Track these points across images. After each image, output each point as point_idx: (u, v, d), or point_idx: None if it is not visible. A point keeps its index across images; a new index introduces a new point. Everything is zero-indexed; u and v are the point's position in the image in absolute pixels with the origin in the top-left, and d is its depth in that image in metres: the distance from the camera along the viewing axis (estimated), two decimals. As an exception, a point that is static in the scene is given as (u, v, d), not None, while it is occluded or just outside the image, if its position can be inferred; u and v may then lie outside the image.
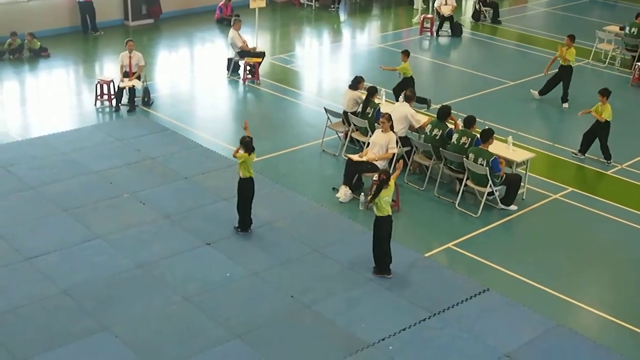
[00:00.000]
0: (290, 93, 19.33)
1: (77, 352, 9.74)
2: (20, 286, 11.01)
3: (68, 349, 9.79)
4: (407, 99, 15.24)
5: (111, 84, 18.03)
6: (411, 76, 18.11)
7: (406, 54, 18.24)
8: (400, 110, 14.97)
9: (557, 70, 18.91)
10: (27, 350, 9.73)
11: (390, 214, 11.39)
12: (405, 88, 17.59)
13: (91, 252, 11.92)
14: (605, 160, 15.77)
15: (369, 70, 20.72)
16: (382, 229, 11.43)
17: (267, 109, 18.55)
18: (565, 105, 18.77)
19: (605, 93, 15.64)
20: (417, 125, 15.05)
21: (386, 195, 11.22)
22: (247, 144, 12.26)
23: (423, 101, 17.97)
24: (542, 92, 19.10)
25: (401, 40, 24.40)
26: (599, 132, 15.74)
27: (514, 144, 14.51)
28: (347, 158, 14.35)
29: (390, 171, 12.99)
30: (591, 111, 15.78)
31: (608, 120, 15.58)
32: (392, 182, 11.31)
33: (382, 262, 11.55)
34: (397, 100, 16.93)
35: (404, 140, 14.83)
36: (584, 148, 15.95)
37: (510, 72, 21.00)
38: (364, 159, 13.94)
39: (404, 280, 11.54)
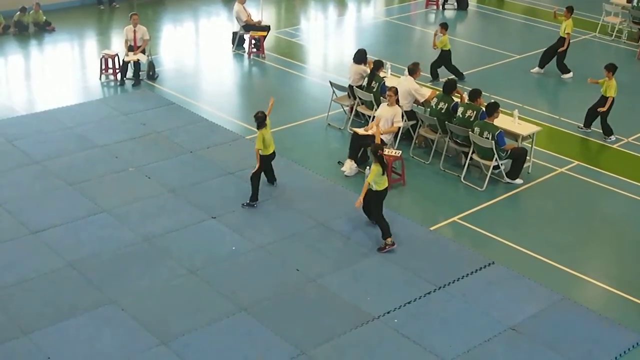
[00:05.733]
0: (296, 67, 19.26)
1: (83, 325, 9.79)
2: (26, 260, 11.06)
3: (75, 321, 9.84)
4: (411, 73, 15.14)
5: (116, 58, 18.00)
6: (449, 49, 18.18)
7: (444, 26, 18.25)
8: (404, 84, 14.90)
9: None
10: (34, 323, 9.78)
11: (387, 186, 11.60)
12: (442, 64, 17.81)
13: (97, 226, 11.96)
14: (605, 136, 15.68)
15: (375, 44, 20.63)
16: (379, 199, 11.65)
17: (272, 82, 18.50)
18: (564, 76, 18.74)
19: (611, 68, 15.41)
20: (421, 100, 15.00)
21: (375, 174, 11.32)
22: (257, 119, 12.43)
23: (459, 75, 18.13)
24: (541, 65, 19.02)
25: (407, 13, 24.24)
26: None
27: (519, 118, 14.46)
28: (352, 132, 14.33)
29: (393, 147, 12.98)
30: (599, 82, 15.66)
31: (613, 96, 15.45)
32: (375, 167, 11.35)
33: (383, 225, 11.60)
34: (434, 78, 17.61)
35: (409, 114, 14.79)
36: (589, 122, 15.87)
37: (517, 45, 20.87)
38: (370, 132, 13.92)
39: (410, 253, 11.55)
